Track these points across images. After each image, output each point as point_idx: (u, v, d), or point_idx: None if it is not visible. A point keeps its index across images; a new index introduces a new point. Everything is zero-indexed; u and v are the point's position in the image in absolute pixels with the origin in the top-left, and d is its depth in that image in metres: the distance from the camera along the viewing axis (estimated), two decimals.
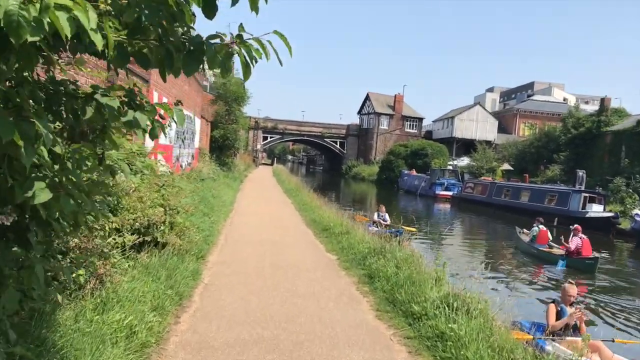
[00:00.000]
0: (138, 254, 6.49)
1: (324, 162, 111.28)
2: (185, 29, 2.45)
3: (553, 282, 14.28)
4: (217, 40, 2.46)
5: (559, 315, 7.20)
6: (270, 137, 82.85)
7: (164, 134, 14.65)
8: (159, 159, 14.51)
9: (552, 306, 7.31)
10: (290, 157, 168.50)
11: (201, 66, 2.40)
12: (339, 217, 15.00)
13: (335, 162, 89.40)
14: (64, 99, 2.57)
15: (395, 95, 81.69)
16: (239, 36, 2.46)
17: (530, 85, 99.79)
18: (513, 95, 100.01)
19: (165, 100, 14.71)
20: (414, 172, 52.24)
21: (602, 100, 48.47)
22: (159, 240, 6.77)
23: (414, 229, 17.47)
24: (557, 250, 17.04)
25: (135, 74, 11.39)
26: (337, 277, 8.80)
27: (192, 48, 2.46)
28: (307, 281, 8.27)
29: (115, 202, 6.26)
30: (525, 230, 19.57)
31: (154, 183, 7.86)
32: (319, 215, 16.17)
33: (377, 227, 16.35)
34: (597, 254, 16.16)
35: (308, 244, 11.85)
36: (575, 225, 16.72)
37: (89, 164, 2.67)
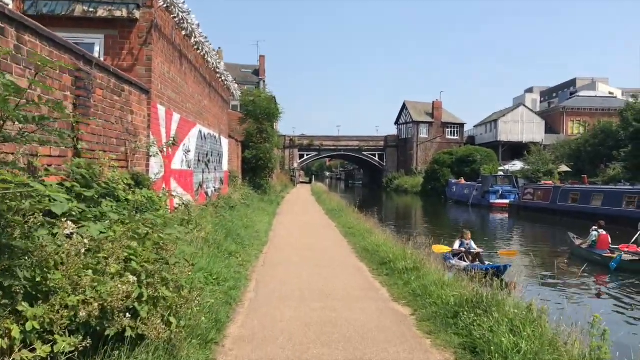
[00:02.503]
0: None
1: (363, 176, 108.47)
2: None
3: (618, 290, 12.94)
4: None
5: None
6: (307, 155, 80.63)
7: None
8: (173, 187, 11.82)
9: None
10: (327, 173, 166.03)
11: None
12: (398, 245, 11.98)
13: (375, 176, 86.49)
14: None
15: (434, 102, 78.55)
16: None
17: (572, 82, 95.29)
18: (554, 94, 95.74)
19: (176, 117, 12.03)
20: (462, 181, 48.75)
21: None
22: (127, 333, 3.96)
23: (512, 253, 13.91)
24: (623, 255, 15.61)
25: (130, 82, 8.75)
26: (421, 350, 5.79)
27: None
28: None
29: (36, 275, 3.49)
30: (576, 236, 18.77)
31: (135, 231, 5.05)
32: (372, 242, 13.15)
33: (463, 260, 12.87)
34: None
35: (365, 290, 8.84)
36: None
37: None
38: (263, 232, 15.84)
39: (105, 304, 3.75)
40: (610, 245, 16.74)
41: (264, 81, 64.33)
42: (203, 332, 5.43)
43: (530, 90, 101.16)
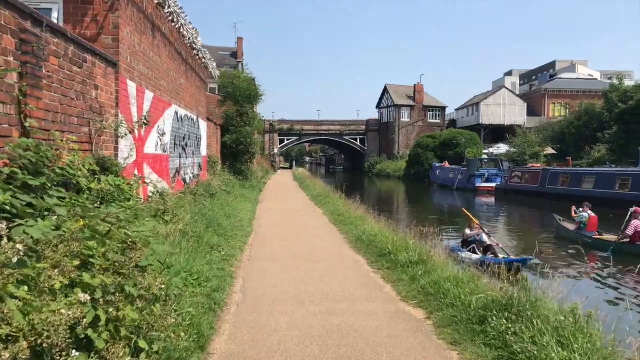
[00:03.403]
0: None
1: (344, 161, 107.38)
2: None
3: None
4: None
5: None
6: (287, 140, 79.28)
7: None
8: (146, 174, 10.62)
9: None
10: (308, 158, 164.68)
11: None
12: (397, 234, 10.95)
13: (357, 160, 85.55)
14: None
15: (415, 85, 77.62)
16: None
17: (552, 64, 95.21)
18: (534, 77, 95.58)
19: (149, 95, 10.79)
20: (446, 165, 47.98)
21: None
22: None
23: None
24: (610, 237, 15.70)
25: (94, 52, 7.52)
26: None
27: None
28: None
29: None
30: (562, 218, 18.43)
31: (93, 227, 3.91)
32: (365, 231, 12.11)
33: (474, 252, 11.58)
34: None
35: (368, 288, 7.80)
36: (635, 208, 15.01)
37: None
38: (247, 222, 14.71)
39: (41, 340, 2.63)
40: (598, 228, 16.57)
41: (242, 64, 62.63)
42: (182, 355, 4.32)
43: (509, 74, 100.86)
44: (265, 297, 7.11)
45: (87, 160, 6.62)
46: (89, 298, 3.01)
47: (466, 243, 11.82)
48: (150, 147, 11.11)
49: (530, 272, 10.12)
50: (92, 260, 3.48)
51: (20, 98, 5.29)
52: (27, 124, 5.31)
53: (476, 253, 11.23)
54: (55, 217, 3.81)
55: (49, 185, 4.88)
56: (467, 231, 11.95)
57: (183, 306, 5.28)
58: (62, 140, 5.98)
